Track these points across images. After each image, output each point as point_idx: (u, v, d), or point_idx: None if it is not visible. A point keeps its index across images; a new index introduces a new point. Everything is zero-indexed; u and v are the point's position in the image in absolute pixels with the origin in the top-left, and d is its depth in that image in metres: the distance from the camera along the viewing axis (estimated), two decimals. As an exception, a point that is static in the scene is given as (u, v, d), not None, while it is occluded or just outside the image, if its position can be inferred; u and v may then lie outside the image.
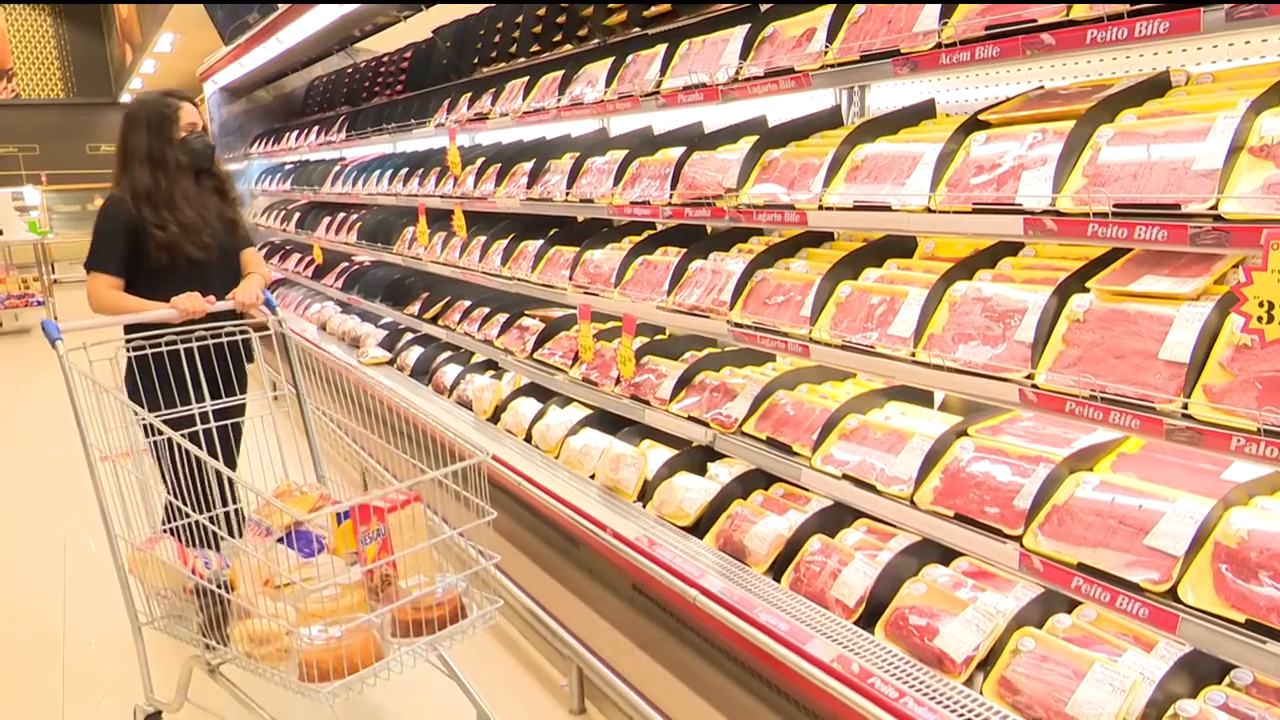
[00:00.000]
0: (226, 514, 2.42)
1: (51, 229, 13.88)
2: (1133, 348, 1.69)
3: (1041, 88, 2.16)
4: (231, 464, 2.96)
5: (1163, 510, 1.68)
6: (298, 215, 7.07)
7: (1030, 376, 1.81)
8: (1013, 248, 2.18)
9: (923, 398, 2.53)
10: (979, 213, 1.89)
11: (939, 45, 1.93)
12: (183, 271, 2.91)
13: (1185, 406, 1.55)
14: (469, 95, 4.44)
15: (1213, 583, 1.55)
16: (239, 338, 2.80)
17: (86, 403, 2.32)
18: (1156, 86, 1.87)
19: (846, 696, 1.84)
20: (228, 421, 2.90)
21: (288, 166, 7.87)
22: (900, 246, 2.47)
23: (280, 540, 2.30)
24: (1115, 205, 1.63)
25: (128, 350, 2.66)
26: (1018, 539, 1.82)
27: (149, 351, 2.63)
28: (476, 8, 4.64)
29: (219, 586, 2.06)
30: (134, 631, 2.35)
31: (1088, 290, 1.84)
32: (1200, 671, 1.67)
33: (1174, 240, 1.54)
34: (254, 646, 1.96)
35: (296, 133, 7.28)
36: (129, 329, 2.82)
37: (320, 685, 1.82)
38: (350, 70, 6.80)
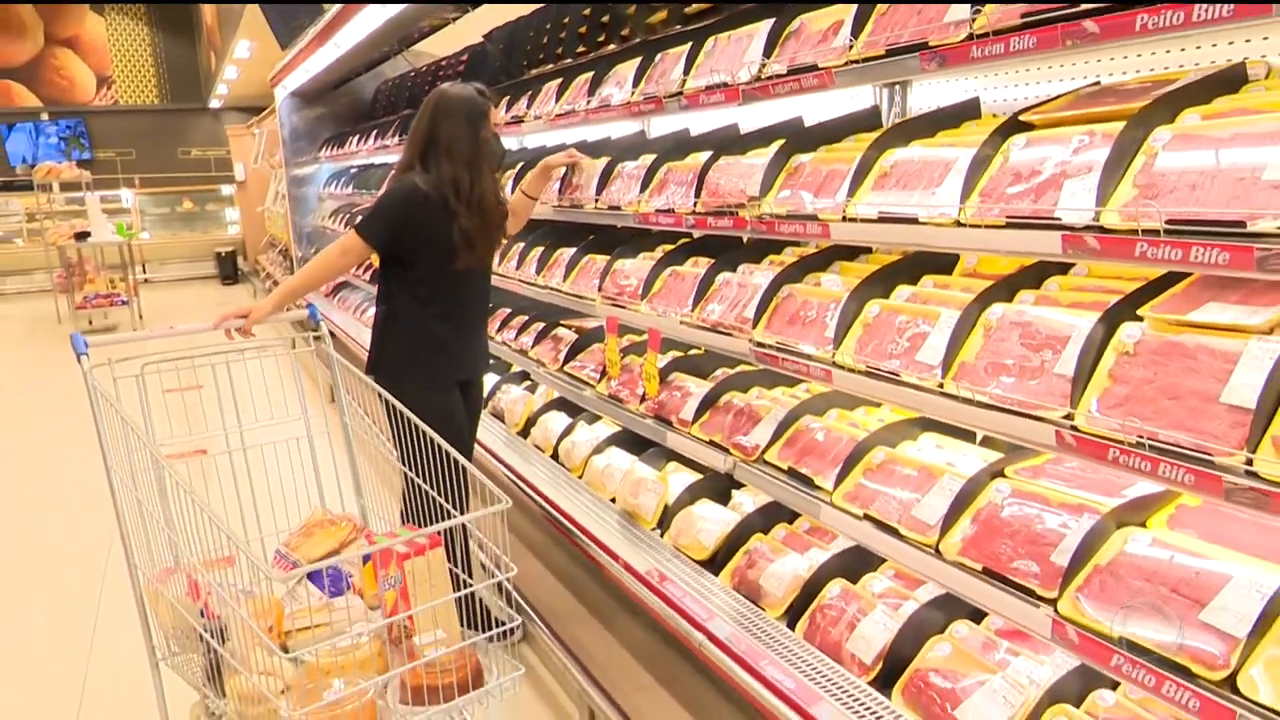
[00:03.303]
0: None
1: (145, 229, 14.41)
2: (1190, 388, 1.44)
3: (1097, 83, 1.90)
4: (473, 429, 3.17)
5: (1224, 579, 1.43)
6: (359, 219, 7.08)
7: (1069, 417, 1.57)
8: (1063, 265, 1.93)
9: (962, 430, 2.28)
10: (1013, 227, 1.65)
11: (970, 37, 1.70)
12: (478, 278, 2.97)
13: (1249, 462, 1.30)
14: (507, 98, 4.33)
15: (1281, 673, 1.30)
16: (267, 356, 2.56)
17: (107, 421, 2.20)
18: (1229, 81, 1.61)
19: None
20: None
21: (352, 170, 7.92)
22: (939, 261, 2.23)
23: (310, 575, 2.16)
24: (1168, 221, 1.39)
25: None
26: (1051, 602, 1.58)
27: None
28: (527, 8, 4.52)
29: (213, 635, 1.83)
30: (151, 669, 2.17)
31: (1139, 318, 1.59)
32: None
33: (1237, 264, 1.29)
34: (245, 705, 1.75)
35: (357, 137, 7.31)
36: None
37: None
38: (411, 74, 6.78)
